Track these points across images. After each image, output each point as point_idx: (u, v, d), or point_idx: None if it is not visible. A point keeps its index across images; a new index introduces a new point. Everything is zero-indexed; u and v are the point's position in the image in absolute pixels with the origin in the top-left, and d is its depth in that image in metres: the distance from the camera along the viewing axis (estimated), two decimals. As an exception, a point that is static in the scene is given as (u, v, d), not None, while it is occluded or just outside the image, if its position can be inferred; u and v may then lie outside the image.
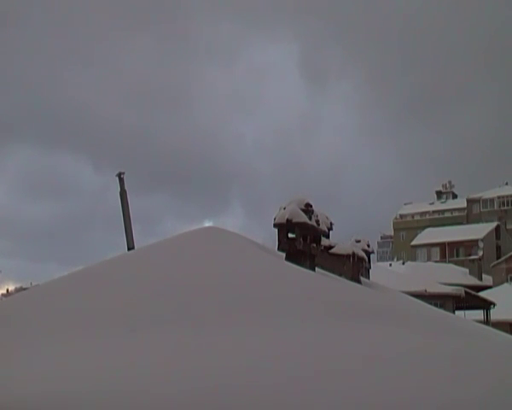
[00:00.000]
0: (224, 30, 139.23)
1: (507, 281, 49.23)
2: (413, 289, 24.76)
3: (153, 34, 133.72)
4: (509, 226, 73.74)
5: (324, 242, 10.60)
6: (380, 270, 25.50)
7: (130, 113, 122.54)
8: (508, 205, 77.42)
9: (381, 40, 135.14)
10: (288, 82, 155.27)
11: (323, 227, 10.18)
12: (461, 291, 32.80)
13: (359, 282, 10.60)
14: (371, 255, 12.76)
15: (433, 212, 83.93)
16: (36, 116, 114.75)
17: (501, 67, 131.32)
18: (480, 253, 60.02)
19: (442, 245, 68.05)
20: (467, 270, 56.04)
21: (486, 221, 72.54)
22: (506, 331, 16.93)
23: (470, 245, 64.67)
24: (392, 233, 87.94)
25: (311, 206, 9.73)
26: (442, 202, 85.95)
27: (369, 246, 12.40)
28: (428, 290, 29.82)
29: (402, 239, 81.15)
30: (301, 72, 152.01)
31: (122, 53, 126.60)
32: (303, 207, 9.60)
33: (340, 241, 11.58)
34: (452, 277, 47.50)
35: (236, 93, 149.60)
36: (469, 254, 61.88)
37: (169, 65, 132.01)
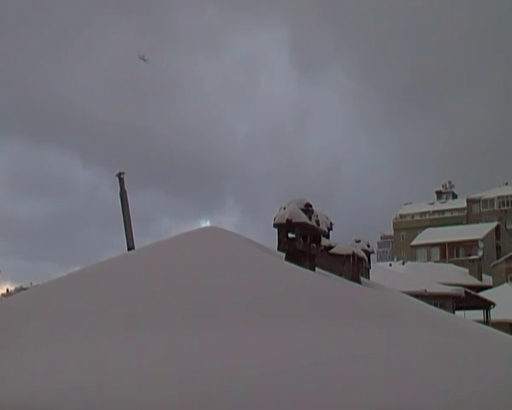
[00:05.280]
0: (209, 15, 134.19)
1: (507, 281, 49.18)
2: (413, 289, 24.72)
3: (133, 21, 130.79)
4: (509, 226, 73.70)
5: (324, 242, 10.60)
6: (380, 270, 25.49)
7: (118, 108, 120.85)
8: (508, 205, 77.39)
9: (376, 23, 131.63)
10: (277, 69, 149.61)
11: (323, 227, 10.18)
12: (461, 291, 32.78)
13: (359, 282, 10.60)
14: (371, 255, 12.74)
15: (433, 212, 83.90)
16: (23, 112, 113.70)
17: (505, 59, 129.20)
18: (480, 253, 59.95)
19: (442, 245, 68.02)
20: (467, 270, 56.02)
21: (486, 221, 72.50)
22: (506, 331, 16.92)
23: (470, 245, 64.60)
24: (392, 233, 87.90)
25: (311, 206, 9.73)
26: (442, 202, 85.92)
27: (369, 246, 12.39)
28: (428, 290, 29.79)
29: (402, 239, 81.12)
30: (292, 58, 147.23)
31: (105, 44, 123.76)
32: (303, 207, 9.60)
33: (340, 241, 11.57)
34: (452, 277, 47.48)
35: (224, 83, 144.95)
36: (469, 254, 61.80)
37: (154, 55, 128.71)
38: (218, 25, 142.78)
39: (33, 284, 31.01)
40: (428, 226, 76.15)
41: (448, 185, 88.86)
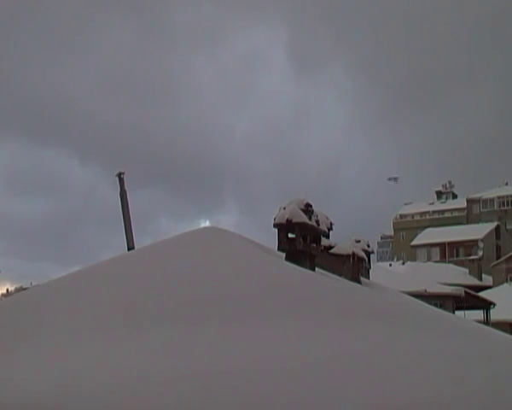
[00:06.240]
0: (206, 14, 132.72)
1: (507, 281, 49.20)
2: (413, 289, 24.73)
3: (131, 21, 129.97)
4: (509, 226, 73.68)
5: (324, 242, 10.60)
6: (380, 270, 25.50)
7: (116, 107, 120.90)
8: (508, 205, 77.38)
9: (374, 21, 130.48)
10: (275, 67, 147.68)
11: (323, 227, 10.18)
12: (461, 291, 32.80)
13: (359, 282, 10.60)
14: (371, 255, 12.75)
15: (433, 212, 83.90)
16: (21, 111, 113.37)
17: (503, 57, 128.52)
18: (480, 253, 59.99)
19: (442, 245, 68.04)
20: (467, 270, 56.05)
21: (486, 221, 72.51)
22: (506, 331, 16.94)
23: (470, 245, 64.63)
24: (392, 233, 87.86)
25: (311, 206, 9.74)
26: (442, 202, 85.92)
27: (369, 246, 12.39)
28: (428, 290, 29.81)
29: (402, 239, 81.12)
30: (290, 56, 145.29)
31: (103, 44, 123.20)
32: (303, 207, 9.60)
33: (340, 241, 11.58)
34: (452, 277, 47.50)
35: (222, 82, 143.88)
36: (469, 254, 61.85)
37: (152, 53, 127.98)
38: (216, 23, 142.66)
39: (33, 283, 31.02)
40: (428, 226, 76.16)
41: (448, 185, 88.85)
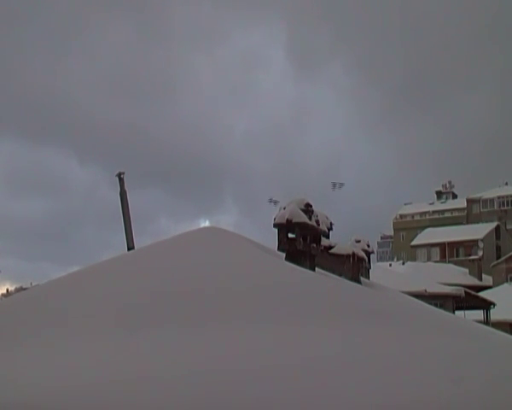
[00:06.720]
0: (205, 13, 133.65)
1: (507, 281, 49.27)
2: (413, 289, 24.77)
3: (131, 20, 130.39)
4: (509, 226, 73.76)
5: (324, 242, 10.60)
6: (380, 270, 25.52)
7: (115, 106, 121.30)
8: (508, 205, 77.45)
9: (373, 19, 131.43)
10: (275, 66, 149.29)
11: (323, 227, 10.18)
12: (461, 291, 32.84)
13: (359, 282, 10.60)
14: (371, 255, 12.75)
15: (433, 212, 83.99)
16: (21, 110, 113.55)
17: (503, 56, 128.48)
18: (480, 253, 60.03)
19: (442, 245, 68.11)
20: (467, 270, 56.12)
21: (486, 221, 72.58)
22: (506, 331, 16.94)
23: (470, 245, 64.67)
24: (392, 233, 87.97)
25: (311, 206, 9.74)
26: (442, 202, 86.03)
27: (369, 246, 12.39)
28: (428, 290, 29.84)
29: (402, 239, 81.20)
30: (289, 55, 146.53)
31: (103, 43, 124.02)
32: (303, 207, 9.61)
33: (340, 241, 11.58)
34: (452, 277, 47.57)
35: (221, 81, 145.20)
36: (469, 254, 61.90)
37: (151, 52, 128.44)
38: (215, 22, 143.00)
39: (33, 283, 31.04)
40: (428, 226, 76.23)
41: (448, 185, 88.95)
